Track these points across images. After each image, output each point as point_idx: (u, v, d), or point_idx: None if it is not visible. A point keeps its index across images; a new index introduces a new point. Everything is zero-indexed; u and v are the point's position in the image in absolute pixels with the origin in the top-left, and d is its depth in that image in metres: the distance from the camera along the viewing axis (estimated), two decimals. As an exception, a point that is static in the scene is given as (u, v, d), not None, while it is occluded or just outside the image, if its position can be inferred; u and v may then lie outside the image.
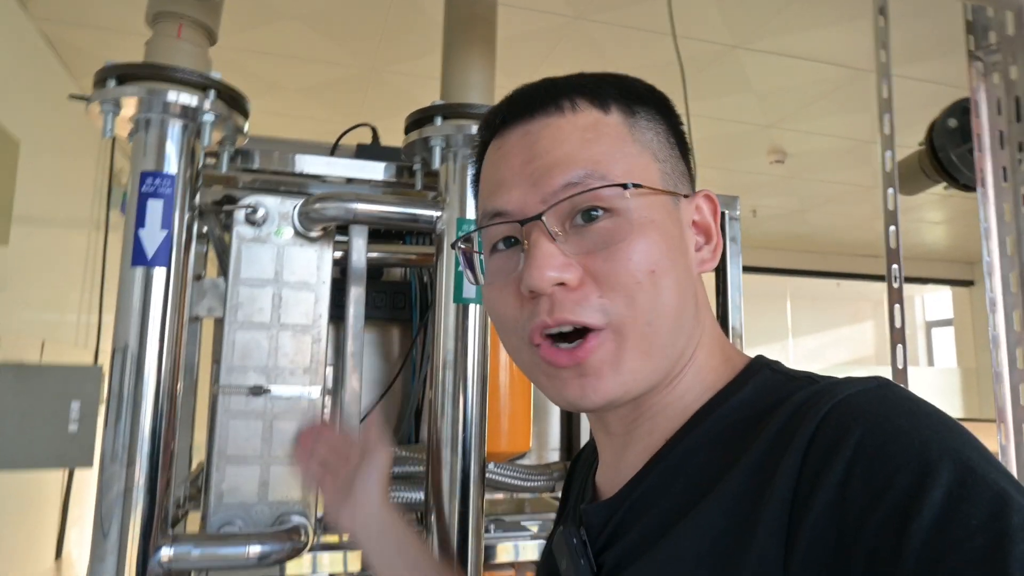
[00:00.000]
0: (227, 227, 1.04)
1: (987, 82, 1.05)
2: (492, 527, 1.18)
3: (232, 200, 1.03)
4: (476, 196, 0.60)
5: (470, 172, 1.00)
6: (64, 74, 2.68)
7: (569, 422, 1.51)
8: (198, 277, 1.47)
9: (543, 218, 0.50)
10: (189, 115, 0.86)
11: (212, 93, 0.86)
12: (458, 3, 1.03)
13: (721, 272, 1.31)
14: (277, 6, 2.42)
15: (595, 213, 0.50)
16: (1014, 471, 0.98)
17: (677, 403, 0.53)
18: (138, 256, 0.84)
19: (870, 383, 0.45)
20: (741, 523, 0.43)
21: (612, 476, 0.57)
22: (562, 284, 0.48)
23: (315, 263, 1.03)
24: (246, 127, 0.95)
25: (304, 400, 1.00)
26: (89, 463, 1.40)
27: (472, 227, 0.99)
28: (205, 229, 1.12)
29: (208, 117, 0.85)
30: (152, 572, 0.82)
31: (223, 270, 1.05)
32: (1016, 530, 0.35)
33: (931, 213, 5.31)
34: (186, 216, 0.88)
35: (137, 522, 0.83)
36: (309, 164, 1.13)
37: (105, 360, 0.91)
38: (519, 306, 0.51)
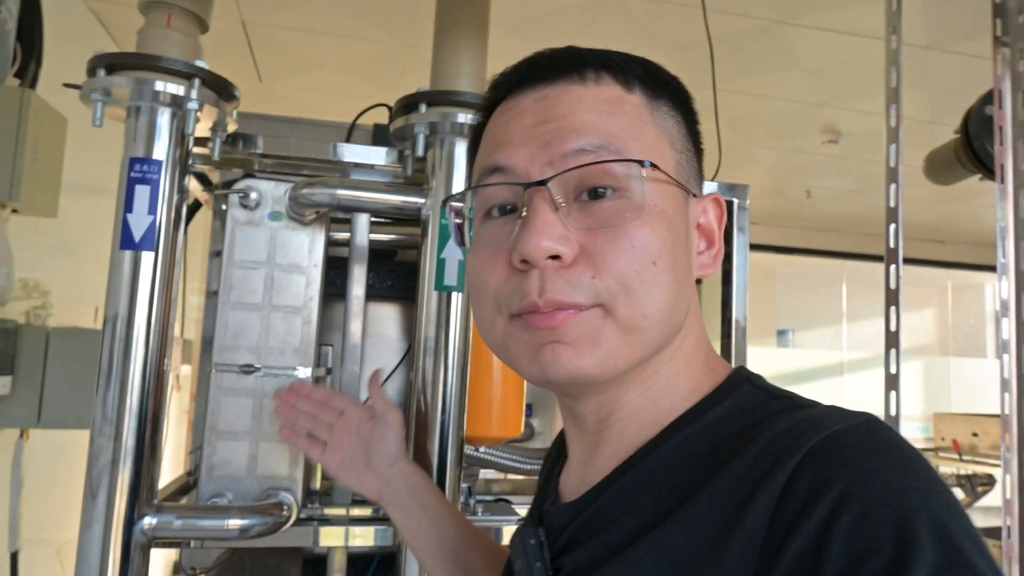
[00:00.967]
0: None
1: (1013, 70, 0.99)
2: (480, 509, 1.20)
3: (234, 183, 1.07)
4: (471, 162, 0.58)
5: (458, 150, 1.00)
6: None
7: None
8: (217, 254, 1.53)
9: (548, 185, 0.47)
10: (176, 103, 0.89)
11: (197, 82, 0.88)
12: (450, -12, 1.03)
13: (727, 259, 1.28)
14: (313, -17, 2.45)
15: (602, 191, 0.47)
16: (1015, 477, 0.94)
17: (651, 407, 0.51)
18: (126, 240, 0.88)
19: (857, 419, 0.43)
20: (706, 550, 0.42)
21: (578, 478, 0.56)
22: (556, 258, 0.46)
23: (307, 246, 1.05)
24: (235, 112, 0.98)
25: (293, 379, 1.03)
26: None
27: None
28: (224, 207, 1.16)
29: (192, 105, 0.88)
30: (137, 540, 0.87)
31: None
32: None
33: (1002, 197, 5.01)
34: (175, 200, 0.91)
35: (124, 490, 0.87)
36: (312, 148, 1.15)
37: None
38: (505, 277, 0.49)
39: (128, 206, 0.87)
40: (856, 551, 0.36)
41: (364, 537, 1.09)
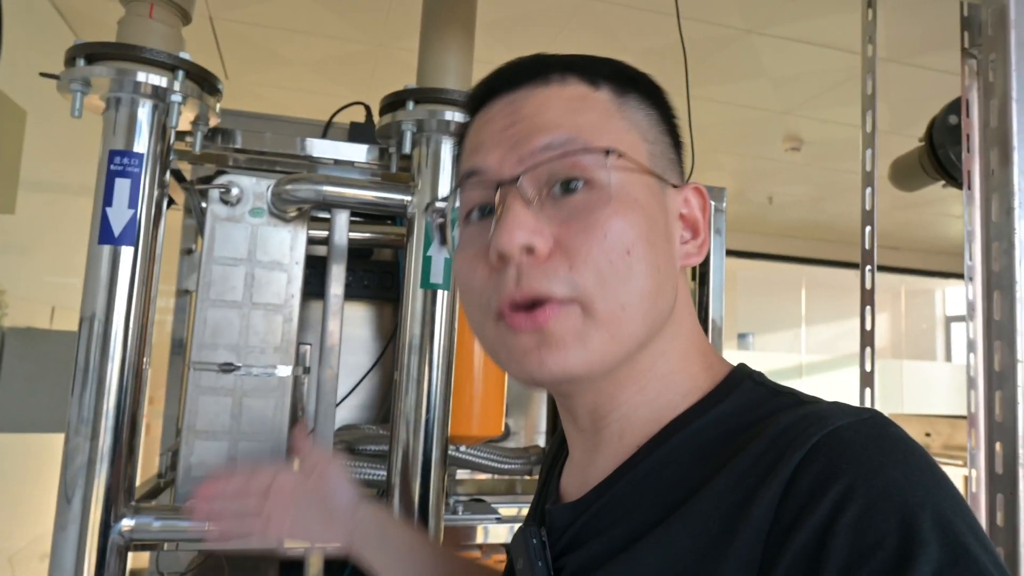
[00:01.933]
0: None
1: (979, 81, 1.03)
2: (460, 508, 1.20)
3: (215, 179, 1.05)
4: (456, 176, 0.59)
5: (445, 147, 1.00)
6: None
7: (555, 406, 1.52)
8: (189, 251, 1.50)
9: (519, 181, 0.48)
10: (158, 95, 0.87)
11: (181, 74, 0.86)
12: (437, -14, 1.03)
13: (703, 262, 1.30)
14: (285, -21, 2.42)
15: (574, 184, 0.47)
16: (981, 472, 0.97)
17: (649, 406, 0.51)
18: (105, 234, 0.85)
19: (862, 415, 0.43)
20: (710, 546, 0.42)
21: (580, 477, 0.56)
22: (531, 251, 0.46)
23: (288, 243, 1.04)
24: (218, 107, 0.96)
25: (273, 378, 1.02)
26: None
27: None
28: (203, 205, 1.14)
29: (176, 97, 0.86)
30: (113, 542, 0.85)
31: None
32: None
33: (955, 207, 5.20)
34: (155, 195, 0.89)
35: (100, 492, 0.85)
36: (291, 145, 1.14)
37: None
38: (487, 276, 0.49)
39: (108, 199, 0.85)
40: (860, 546, 0.36)
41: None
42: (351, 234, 1.13)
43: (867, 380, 0.95)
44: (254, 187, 1.02)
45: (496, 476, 1.51)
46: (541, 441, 1.52)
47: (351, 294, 1.30)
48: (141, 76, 0.85)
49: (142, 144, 0.87)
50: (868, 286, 0.94)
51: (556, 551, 0.52)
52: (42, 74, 0.81)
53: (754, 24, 2.63)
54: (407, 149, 0.99)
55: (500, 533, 1.19)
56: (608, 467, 0.52)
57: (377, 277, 1.38)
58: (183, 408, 1.22)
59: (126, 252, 0.87)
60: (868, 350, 0.94)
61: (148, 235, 0.89)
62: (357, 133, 1.30)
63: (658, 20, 2.59)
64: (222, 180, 1.00)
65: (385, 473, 1.13)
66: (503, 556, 1.23)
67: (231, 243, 1.01)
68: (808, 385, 6.48)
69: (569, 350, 0.46)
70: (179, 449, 0.99)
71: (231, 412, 1.00)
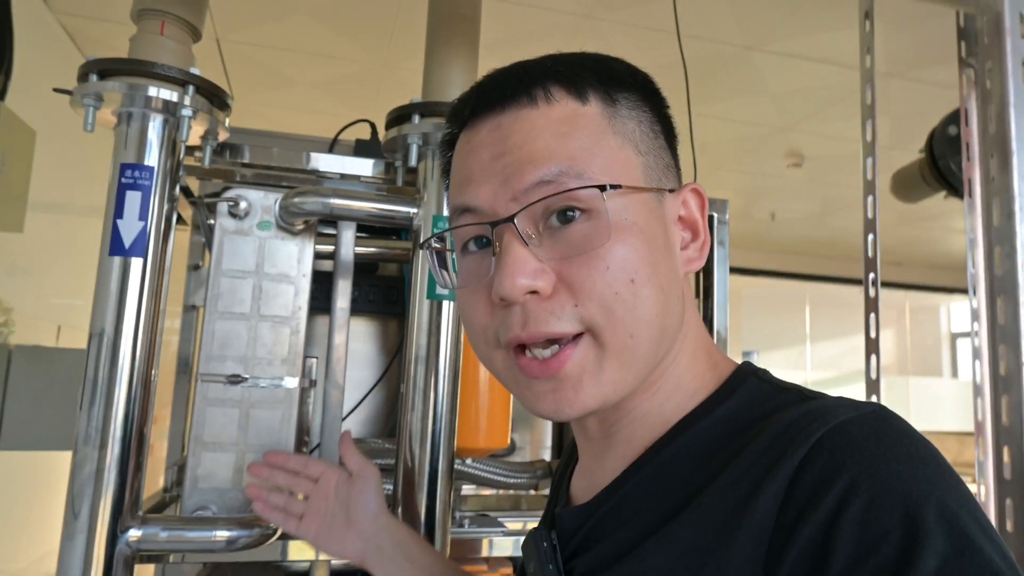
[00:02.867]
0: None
1: (978, 90, 1.04)
2: (467, 522, 1.19)
3: (219, 194, 1.06)
4: (447, 189, 0.59)
5: (438, 166, 1.01)
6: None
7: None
8: (196, 267, 1.51)
9: (515, 221, 0.47)
10: (169, 110, 0.88)
11: (191, 89, 0.88)
12: (441, 1, 1.04)
13: (707, 275, 1.30)
14: (289, 1, 2.45)
15: (571, 214, 0.47)
16: (990, 483, 0.96)
17: (658, 409, 0.51)
18: (116, 246, 0.87)
19: (865, 409, 0.43)
20: (715, 543, 0.42)
21: (589, 480, 0.56)
22: (535, 292, 0.46)
23: (296, 256, 1.05)
24: (227, 121, 0.97)
25: (281, 390, 1.02)
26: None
27: (446, 226, 1.00)
28: (211, 221, 1.15)
29: (186, 112, 0.87)
30: (120, 552, 0.85)
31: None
32: None
33: (958, 221, 5.21)
34: (165, 208, 0.91)
35: (107, 503, 0.85)
36: (297, 160, 1.15)
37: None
38: (490, 312, 0.49)
39: (119, 211, 0.86)
40: (865, 540, 0.36)
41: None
42: (356, 248, 1.14)
43: (873, 388, 0.95)
44: (262, 200, 1.03)
45: (501, 492, 1.51)
46: (546, 456, 1.52)
47: (356, 309, 1.31)
48: (152, 91, 0.86)
49: (153, 157, 0.88)
50: (872, 294, 0.95)
51: (567, 554, 0.52)
52: (55, 89, 0.83)
53: (754, 41, 2.66)
54: (413, 162, 1.00)
55: (506, 546, 1.19)
56: (617, 469, 0.52)
57: (382, 292, 1.39)
58: (190, 420, 1.23)
59: (136, 264, 0.88)
60: (874, 358, 0.94)
61: (158, 247, 0.90)
62: (362, 150, 1.32)
63: (658, 38, 2.62)
64: (230, 193, 1.01)
65: (391, 487, 1.13)
66: (509, 570, 1.22)
67: (239, 256, 1.02)
68: (814, 402, 6.45)
69: (585, 389, 0.47)
70: (186, 462, 0.99)
71: (238, 424, 1.00)
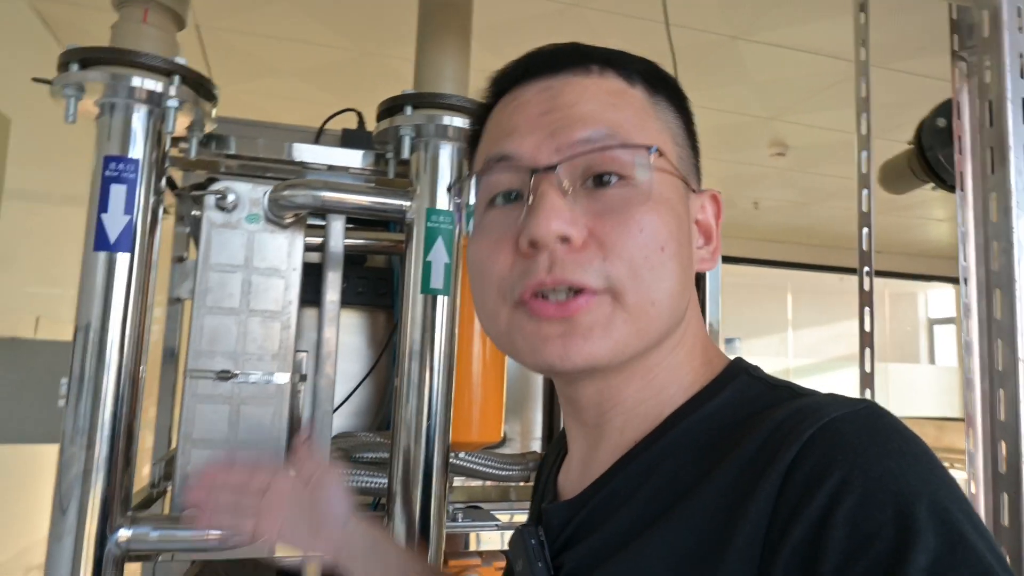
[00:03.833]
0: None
1: (971, 83, 1.04)
2: (460, 515, 1.19)
3: (208, 185, 1.04)
4: (471, 157, 0.57)
5: (443, 152, 0.99)
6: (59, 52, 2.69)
7: (551, 411, 1.52)
8: (180, 259, 1.48)
9: (557, 170, 0.47)
10: (154, 100, 0.86)
11: (177, 79, 0.85)
12: (433, -9, 1.03)
13: (699, 267, 1.30)
14: (273, -13, 2.41)
15: (608, 179, 0.48)
16: (979, 475, 0.97)
17: (652, 400, 0.51)
18: (100, 241, 0.84)
19: (857, 406, 0.43)
20: (710, 543, 0.42)
21: (579, 473, 0.56)
22: (566, 240, 0.46)
23: (286, 249, 1.03)
24: (213, 112, 0.95)
25: (272, 385, 1.01)
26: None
27: (440, 219, 0.99)
28: (195, 212, 1.13)
29: (172, 103, 0.85)
30: (110, 553, 0.83)
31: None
32: None
33: (936, 210, 5.27)
34: (151, 201, 0.88)
35: (96, 503, 0.83)
36: (284, 151, 1.13)
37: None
38: (511, 263, 0.48)
39: (103, 206, 0.84)
40: (857, 536, 0.36)
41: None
42: (345, 240, 1.13)
43: (867, 381, 0.96)
44: (250, 193, 1.01)
45: (489, 483, 1.50)
46: (537, 447, 1.52)
47: (345, 301, 1.29)
48: (136, 81, 0.84)
49: (137, 150, 0.86)
50: (867, 288, 0.95)
51: (554, 549, 0.52)
52: (35, 79, 0.80)
53: (739, 30, 2.66)
54: (406, 154, 0.99)
55: (500, 540, 1.19)
56: (607, 462, 0.52)
57: (371, 284, 1.37)
58: (179, 416, 1.21)
59: (122, 259, 0.86)
60: (868, 351, 0.95)
61: (144, 241, 0.88)
62: (350, 140, 1.29)
63: (645, 27, 2.60)
64: (217, 186, 0.99)
65: (382, 481, 1.12)
66: (503, 563, 1.22)
67: (228, 250, 1.00)
68: (795, 389, 6.54)
69: (595, 340, 0.46)
70: (174, 458, 0.98)
71: (228, 420, 0.98)
